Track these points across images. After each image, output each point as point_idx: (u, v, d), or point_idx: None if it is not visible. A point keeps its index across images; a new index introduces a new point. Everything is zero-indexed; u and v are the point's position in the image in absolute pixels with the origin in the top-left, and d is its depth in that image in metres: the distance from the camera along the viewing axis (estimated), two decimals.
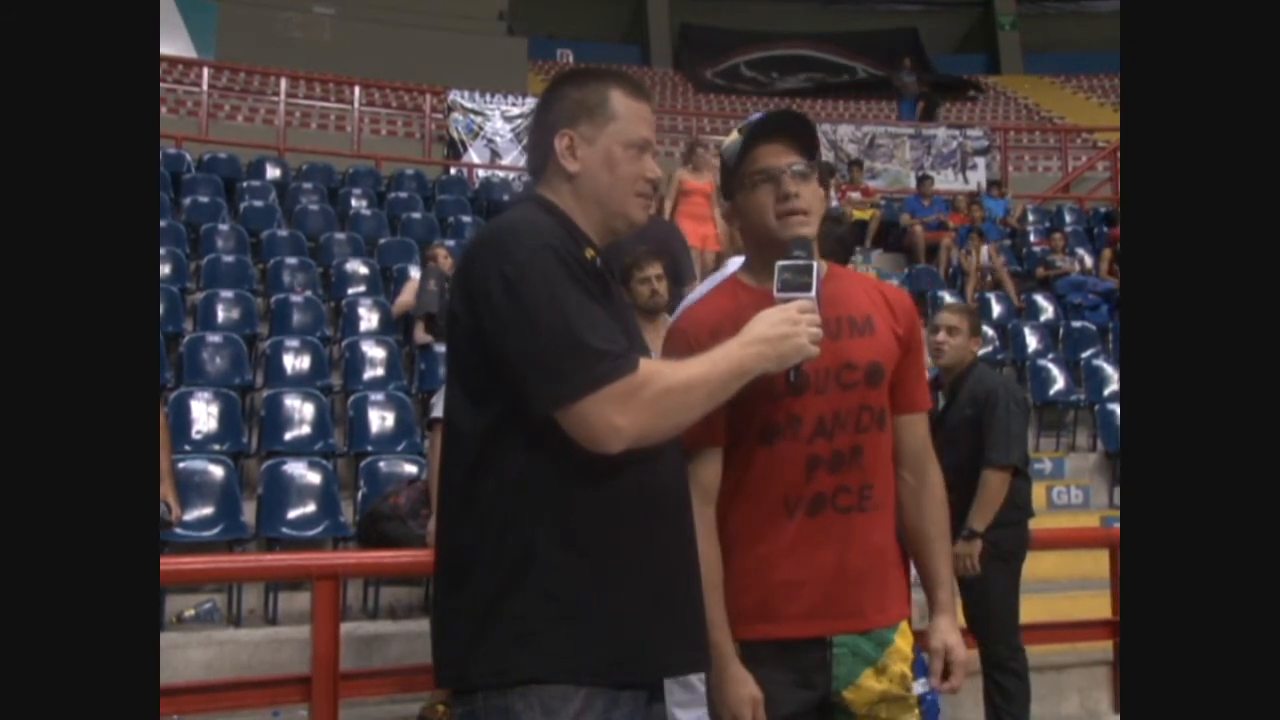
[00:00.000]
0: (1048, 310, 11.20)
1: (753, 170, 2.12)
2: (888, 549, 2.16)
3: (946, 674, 2.17)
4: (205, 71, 15.27)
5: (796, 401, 2.06)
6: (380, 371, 7.65)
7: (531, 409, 1.74)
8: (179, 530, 5.29)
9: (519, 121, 14.94)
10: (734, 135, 2.18)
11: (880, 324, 2.15)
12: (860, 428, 2.10)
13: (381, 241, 10.24)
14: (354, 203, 11.40)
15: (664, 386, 1.76)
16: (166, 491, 3.59)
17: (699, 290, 3.10)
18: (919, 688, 2.16)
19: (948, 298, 10.17)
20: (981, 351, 9.36)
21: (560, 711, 1.72)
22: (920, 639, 2.21)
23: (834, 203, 12.25)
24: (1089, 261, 12.15)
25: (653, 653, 1.81)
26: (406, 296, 8.46)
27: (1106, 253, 12.05)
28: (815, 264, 1.95)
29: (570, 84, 1.96)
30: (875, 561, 2.12)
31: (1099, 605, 5.59)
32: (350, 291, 9.04)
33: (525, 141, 14.13)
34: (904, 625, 2.17)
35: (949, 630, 2.20)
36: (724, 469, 2.13)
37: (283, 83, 15.17)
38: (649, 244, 5.37)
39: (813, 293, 1.91)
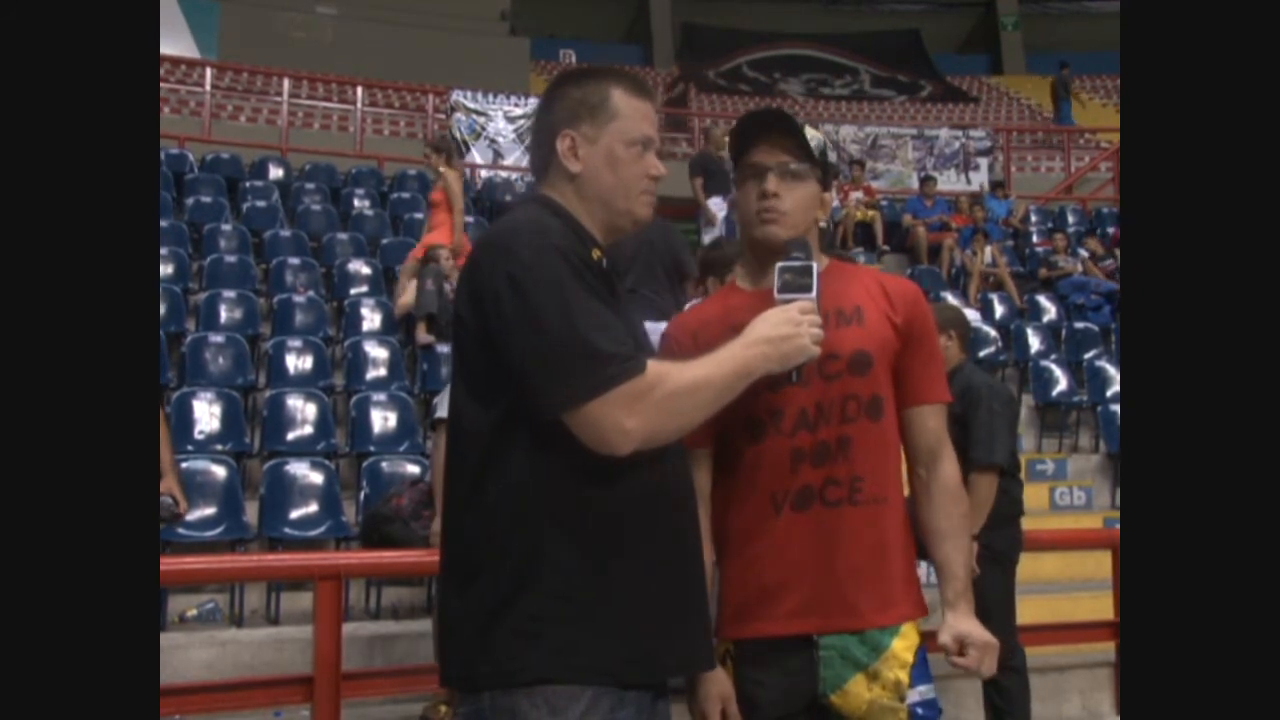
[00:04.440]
0: (1050, 311, 11.21)
1: (745, 164, 2.14)
2: (891, 545, 2.08)
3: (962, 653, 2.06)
4: (208, 72, 15.31)
5: (777, 395, 2.04)
6: (382, 372, 7.65)
7: (539, 411, 1.74)
8: (181, 530, 5.29)
9: (521, 122, 14.94)
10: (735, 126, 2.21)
11: (872, 313, 2.12)
12: (846, 418, 2.06)
13: (384, 242, 10.24)
14: (356, 203, 11.41)
15: (672, 388, 1.76)
16: (172, 485, 3.58)
17: None
18: (916, 696, 2.06)
19: (950, 299, 10.17)
20: (984, 352, 9.52)
21: (567, 711, 1.72)
22: (931, 640, 2.12)
23: (835, 203, 12.23)
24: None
25: (659, 652, 1.81)
26: (407, 297, 8.46)
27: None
28: (815, 265, 1.95)
29: (571, 83, 1.96)
30: (874, 557, 2.05)
31: (1101, 606, 5.57)
32: (352, 292, 9.03)
33: (528, 142, 14.10)
34: (907, 628, 2.09)
35: (960, 620, 2.09)
36: (716, 469, 2.13)
37: (285, 83, 15.20)
38: (648, 242, 5.36)
39: (813, 294, 1.92)
